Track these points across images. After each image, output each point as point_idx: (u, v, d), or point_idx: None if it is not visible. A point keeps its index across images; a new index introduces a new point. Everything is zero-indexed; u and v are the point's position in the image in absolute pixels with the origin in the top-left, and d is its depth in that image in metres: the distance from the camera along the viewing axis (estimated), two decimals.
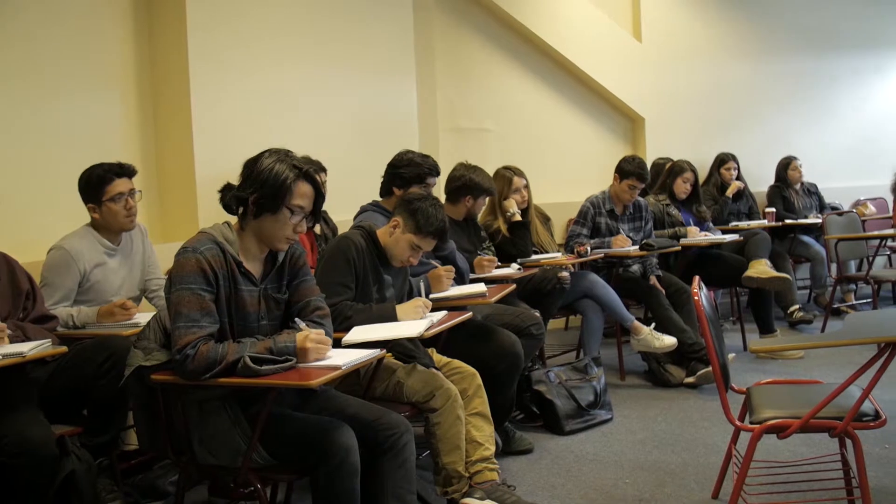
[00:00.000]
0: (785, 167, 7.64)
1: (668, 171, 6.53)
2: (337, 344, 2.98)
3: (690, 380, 5.27)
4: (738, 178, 7.36)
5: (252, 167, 2.76)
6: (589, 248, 5.40)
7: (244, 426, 2.71)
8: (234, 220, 2.84)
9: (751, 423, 3.07)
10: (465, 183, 4.74)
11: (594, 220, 5.80)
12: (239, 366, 2.56)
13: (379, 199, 4.36)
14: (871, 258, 7.12)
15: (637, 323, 5.34)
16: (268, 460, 2.71)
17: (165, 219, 4.92)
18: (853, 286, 7.53)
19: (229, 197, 2.79)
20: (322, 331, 2.79)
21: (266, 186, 2.71)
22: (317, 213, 2.86)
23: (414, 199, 3.60)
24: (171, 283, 2.65)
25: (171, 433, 2.78)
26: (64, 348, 3.09)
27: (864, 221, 7.42)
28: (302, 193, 2.76)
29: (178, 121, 4.88)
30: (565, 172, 7.29)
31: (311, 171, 2.80)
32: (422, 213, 3.52)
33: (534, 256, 5.23)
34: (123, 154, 3.99)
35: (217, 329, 2.65)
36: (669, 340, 5.24)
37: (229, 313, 2.72)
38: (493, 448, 3.52)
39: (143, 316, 3.51)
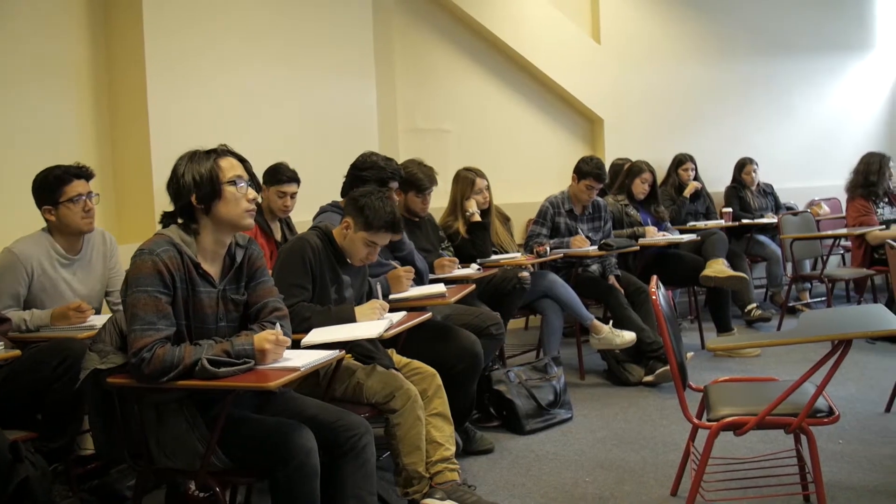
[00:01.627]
0: (740, 169, 7.73)
1: (626, 172, 6.59)
2: (296, 345, 2.97)
3: (649, 378, 5.31)
4: (696, 178, 7.43)
5: (175, 182, 2.76)
6: (548, 248, 5.43)
7: (202, 429, 2.69)
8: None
9: (708, 420, 3.10)
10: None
11: (553, 220, 5.83)
12: (196, 368, 2.54)
13: (339, 199, 4.34)
14: (825, 257, 7.23)
15: (597, 322, 5.38)
16: (226, 463, 2.70)
17: (122, 221, 4.86)
18: (808, 285, 7.64)
19: (178, 213, 2.78)
20: (280, 330, 2.78)
21: (197, 182, 2.72)
22: (253, 178, 2.88)
23: (360, 195, 3.56)
24: (128, 286, 2.62)
25: (128, 437, 2.75)
26: (17, 352, 3.05)
27: (818, 221, 7.53)
28: (229, 167, 2.77)
29: (134, 123, 4.82)
30: (525, 173, 7.32)
31: (222, 149, 2.82)
32: (369, 209, 3.48)
33: (493, 257, 5.24)
34: (79, 156, 3.92)
35: (174, 332, 2.62)
36: (629, 336, 5.29)
37: (187, 315, 2.69)
38: (453, 448, 3.53)
39: (99, 318, 3.47)
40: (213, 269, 2.79)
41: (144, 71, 4.76)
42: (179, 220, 2.78)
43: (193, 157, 2.77)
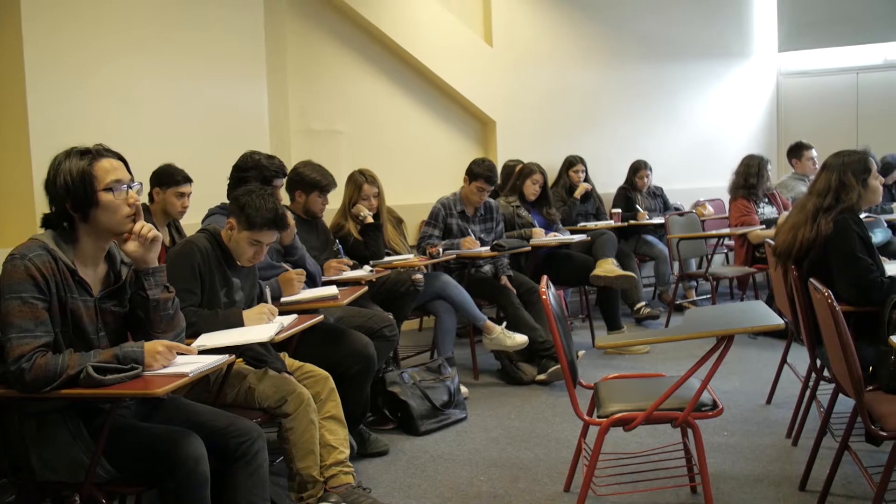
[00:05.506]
0: (634, 172, 7.88)
1: (518, 174, 6.67)
2: None
3: (542, 377, 5.38)
4: (586, 180, 7.55)
5: (51, 185, 2.64)
6: (441, 250, 5.45)
7: (86, 439, 2.60)
8: None
9: (598, 417, 3.16)
10: (294, 178, 4.73)
11: (445, 221, 5.86)
12: (81, 376, 2.45)
13: (227, 201, 4.27)
14: (709, 256, 7.47)
15: (489, 322, 5.43)
16: (113, 474, 2.63)
17: (0, 224, 4.68)
18: (694, 283, 7.87)
19: (54, 222, 2.65)
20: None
21: (70, 189, 2.59)
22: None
23: (240, 195, 3.50)
24: (1, 293, 2.49)
25: (7, 449, 2.64)
26: None
27: (703, 221, 7.76)
28: (107, 170, 2.63)
29: (12, 122, 4.64)
30: (417, 174, 7.32)
31: (101, 149, 2.67)
32: (250, 207, 3.42)
33: (386, 258, 5.23)
34: None
35: (52, 339, 2.52)
36: (521, 339, 5.35)
37: (64, 323, 2.58)
38: (347, 451, 3.52)
39: None
40: (91, 275, 2.68)
41: (23, 67, 4.58)
42: (61, 224, 2.66)
43: (69, 156, 2.63)
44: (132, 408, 2.80)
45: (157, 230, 2.73)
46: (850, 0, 9.13)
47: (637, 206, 7.65)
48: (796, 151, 7.58)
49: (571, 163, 7.54)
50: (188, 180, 4.78)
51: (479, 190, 5.82)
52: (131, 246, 2.68)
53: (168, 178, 4.72)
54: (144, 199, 4.69)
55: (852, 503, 3.40)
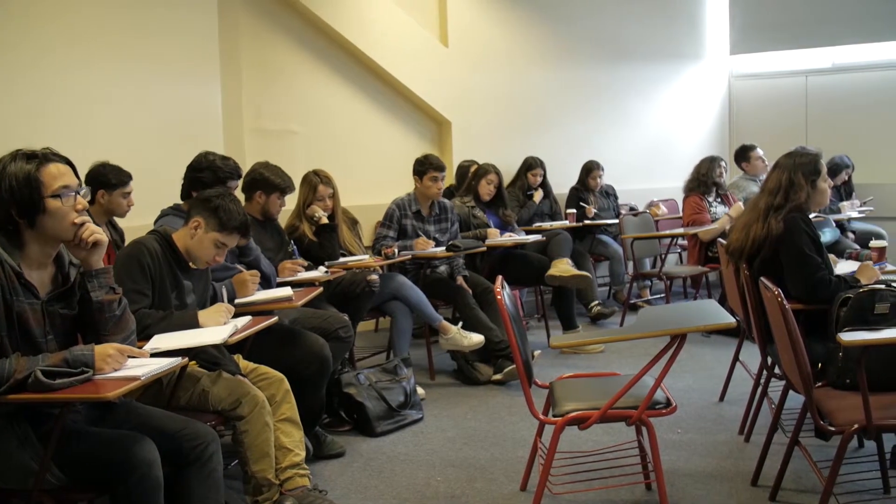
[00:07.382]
0: (587, 173, 7.90)
1: (473, 174, 6.68)
2: None
3: (498, 377, 5.40)
4: (544, 183, 7.55)
5: None
6: (396, 250, 5.44)
7: (35, 445, 2.54)
8: None
9: (554, 416, 3.18)
10: (255, 178, 4.70)
11: (400, 221, 5.85)
12: (30, 381, 2.39)
13: (180, 202, 4.22)
14: (663, 256, 7.54)
15: (445, 323, 5.43)
16: (63, 480, 2.58)
17: None
18: (648, 282, 7.93)
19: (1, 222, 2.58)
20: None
21: (16, 194, 2.52)
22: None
23: (211, 196, 3.50)
24: None
25: None
26: None
27: (656, 221, 7.83)
28: (54, 175, 2.56)
29: None
30: (372, 175, 7.29)
31: (49, 153, 2.61)
32: (223, 210, 3.43)
33: (341, 259, 5.21)
34: None
35: None
36: (477, 338, 5.36)
37: (10, 326, 2.52)
38: (303, 453, 3.50)
39: None
40: (38, 278, 2.62)
41: None
42: (6, 227, 2.59)
43: (15, 159, 2.55)
44: (83, 412, 2.76)
45: (102, 233, 2.68)
46: (799, 5, 9.27)
47: (582, 204, 7.67)
48: (743, 154, 7.68)
49: (531, 165, 7.52)
50: (130, 177, 4.75)
51: (433, 181, 5.82)
52: (75, 250, 2.64)
53: (113, 179, 4.68)
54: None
55: (803, 497, 3.46)
